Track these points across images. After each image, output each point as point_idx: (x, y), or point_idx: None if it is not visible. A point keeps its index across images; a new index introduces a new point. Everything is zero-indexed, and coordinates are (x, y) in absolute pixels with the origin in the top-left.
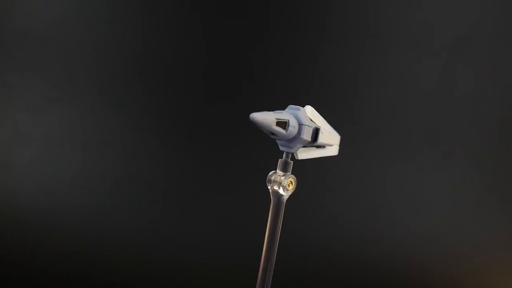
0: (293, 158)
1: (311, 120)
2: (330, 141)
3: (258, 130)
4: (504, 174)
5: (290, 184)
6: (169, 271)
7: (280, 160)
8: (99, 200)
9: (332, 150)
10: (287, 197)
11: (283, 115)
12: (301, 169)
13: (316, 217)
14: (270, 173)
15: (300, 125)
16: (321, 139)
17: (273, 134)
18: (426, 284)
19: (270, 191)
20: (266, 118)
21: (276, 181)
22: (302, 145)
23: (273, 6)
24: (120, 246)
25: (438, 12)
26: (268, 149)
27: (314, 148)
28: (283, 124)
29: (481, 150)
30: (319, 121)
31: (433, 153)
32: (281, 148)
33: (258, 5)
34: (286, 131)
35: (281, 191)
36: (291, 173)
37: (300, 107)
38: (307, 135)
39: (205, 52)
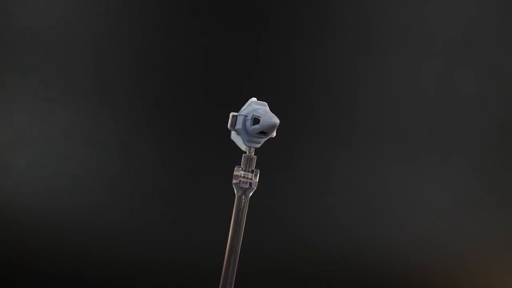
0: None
1: None
2: None
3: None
4: (503, 175)
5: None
6: (169, 272)
7: (244, 155)
8: (98, 201)
9: None
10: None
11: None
12: (301, 170)
13: (316, 218)
14: (236, 168)
15: None
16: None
17: (263, 133)
18: (426, 285)
19: (235, 186)
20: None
21: (245, 177)
22: None
23: (273, 7)
24: (119, 246)
25: (437, 14)
26: (267, 150)
27: None
28: None
29: (480, 152)
30: None
31: (433, 155)
32: (248, 144)
33: (257, 6)
34: None
35: (251, 186)
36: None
37: (265, 103)
38: None
39: (204, 53)
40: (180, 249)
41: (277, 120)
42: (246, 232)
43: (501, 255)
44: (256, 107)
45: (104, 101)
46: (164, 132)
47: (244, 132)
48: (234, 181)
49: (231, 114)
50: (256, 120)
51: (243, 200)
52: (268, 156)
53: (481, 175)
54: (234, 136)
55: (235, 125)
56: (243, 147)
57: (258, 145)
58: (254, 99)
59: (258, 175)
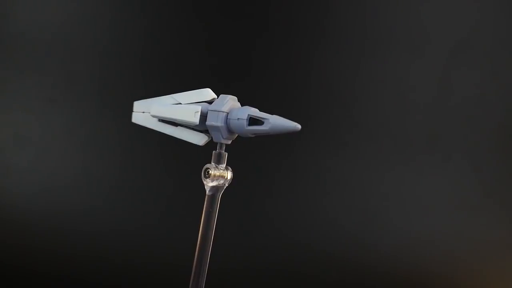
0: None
1: None
2: None
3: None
4: (503, 177)
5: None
6: (168, 273)
7: (215, 152)
8: (98, 202)
9: None
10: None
11: None
12: (299, 171)
13: (315, 220)
14: (209, 166)
15: None
16: None
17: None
18: (425, 287)
19: (208, 185)
20: None
21: (219, 175)
22: None
23: (272, 6)
24: (119, 247)
25: (437, 16)
26: (267, 151)
27: None
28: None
29: (480, 154)
30: None
31: (432, 156)
32: (224, 141)
33: (257, 6)
34: None
35: (226, 184)
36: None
37: (236, 97)
38: None
39: (205, 53)
40: (179, 251)
41: (299, 126)
42: (242, 233)
43: (501, 257)
44: (237, 104)
45: (104, 102)
46: (165, 133)
47: (225, 130)
48: (208, 180)
49: (191, 106)
50: (254, 121)
51: (217, 199)
52: (266, 157)
53: (481, 177)
54: (154, 124)
55: (206, 121)
56: (201, 142)
57: (229, 141)
58: (209, 90)
59: (231, 172)
